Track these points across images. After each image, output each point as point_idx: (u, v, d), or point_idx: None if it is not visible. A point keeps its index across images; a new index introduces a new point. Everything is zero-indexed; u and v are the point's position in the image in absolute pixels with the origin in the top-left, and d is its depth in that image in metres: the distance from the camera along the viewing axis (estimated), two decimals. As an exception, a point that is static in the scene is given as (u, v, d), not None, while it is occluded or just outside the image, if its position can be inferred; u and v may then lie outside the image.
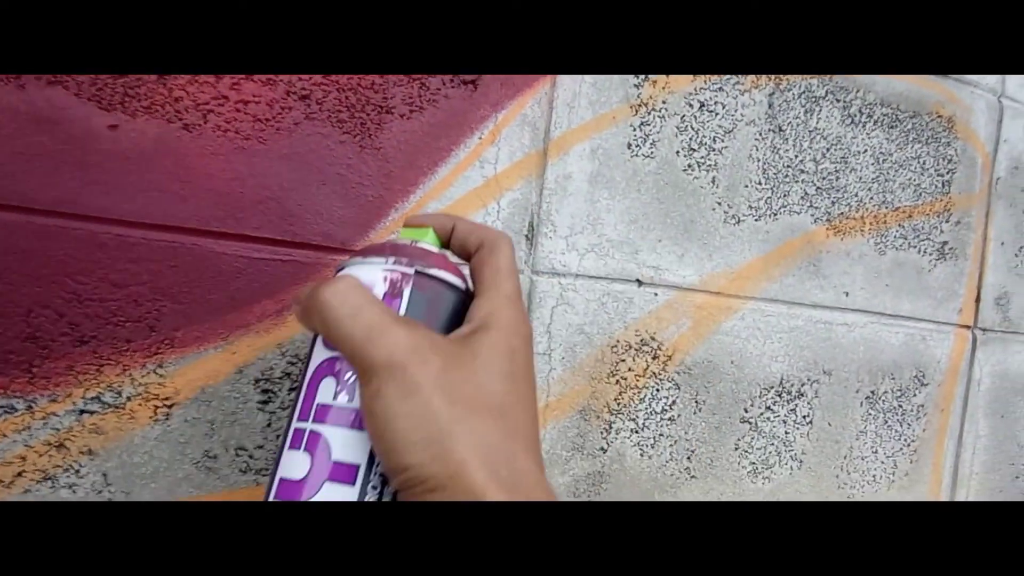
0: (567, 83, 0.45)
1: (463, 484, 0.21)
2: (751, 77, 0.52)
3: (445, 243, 0.30)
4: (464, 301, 0.27)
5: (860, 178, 0.57)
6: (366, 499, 0.24)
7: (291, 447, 0.25)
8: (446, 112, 0.41)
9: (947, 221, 0.62)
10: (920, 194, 0.60)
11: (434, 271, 0.27)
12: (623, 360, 0.48)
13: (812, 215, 0.55)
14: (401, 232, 0.30)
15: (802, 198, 0.54)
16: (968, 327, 0.65)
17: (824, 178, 0.55)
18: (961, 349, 0.65)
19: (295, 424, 0.25)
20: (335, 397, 0.25)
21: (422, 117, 0.40)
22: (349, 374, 0.25)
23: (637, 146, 0.47)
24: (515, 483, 0.22)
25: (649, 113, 0.47)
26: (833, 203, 0.56)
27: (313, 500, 0.23)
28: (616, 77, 0.46)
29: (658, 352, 0.49)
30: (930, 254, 0.62)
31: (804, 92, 0.54)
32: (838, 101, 0.56)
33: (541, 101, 0.44)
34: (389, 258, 0.26)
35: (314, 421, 0.25)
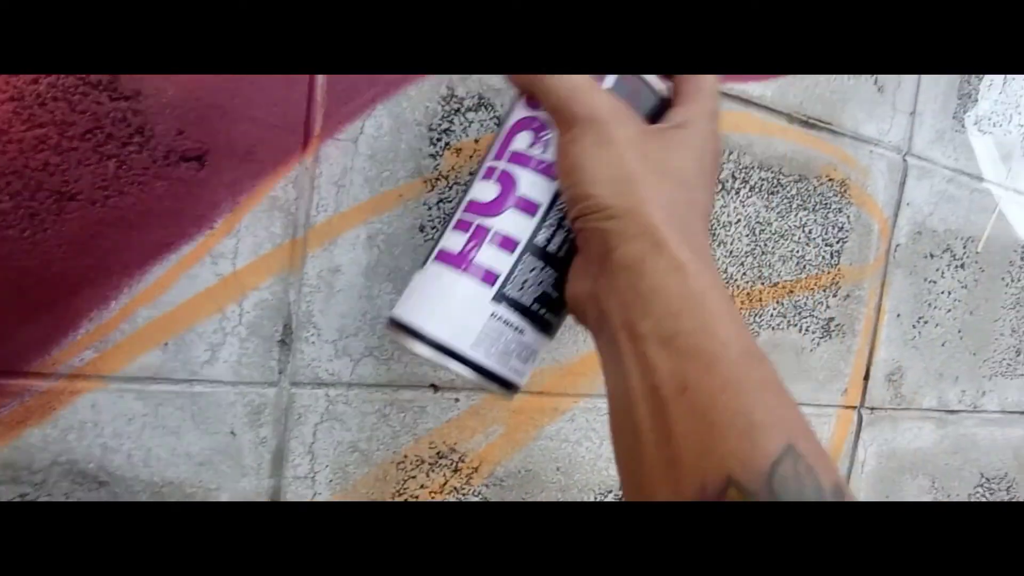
0: (335, 156, 0.36)
1: (641, 219, 0.23)
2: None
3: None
4: (662, 108, 0.27)
5: (731, 252, 0.50)
6: (539, 233, 0.27)
7: (483, 178, 0.28)
8: (160, 196, 0.33)
9: (835, 295, 0.56)
10: (804, 267, 0.54)
11: (642, 77, 0.27)
12: (413, 477, 0.41)
13: (665, 299, 0.48)
14: None
15: (652, 280, 0.47)
16: (853, 407, 0.60)
17: (682, 255, 0.48)
18: (843, 432, 0.60)
19: (489, 162, 0.28)
20: (530, 147, 0.27)
21: (122, 203, 0.32)
22: (545, 132, 0.27)
23: (433, 228, 0.39)
24: (689, 237, 0.23)
25: (450, 187, 0.40)
26: (692, 283, 0.49)
27: (495, 225, 0.27)
28: (405, 145, 0.38)
29: (460, 465, 0.43)
30: (813, 332, 0.56)
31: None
32: (705, 165, 0.48)
33: (298, 180, 0.36)
34: None
35: (508, 162, 0.28)
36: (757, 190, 0.51)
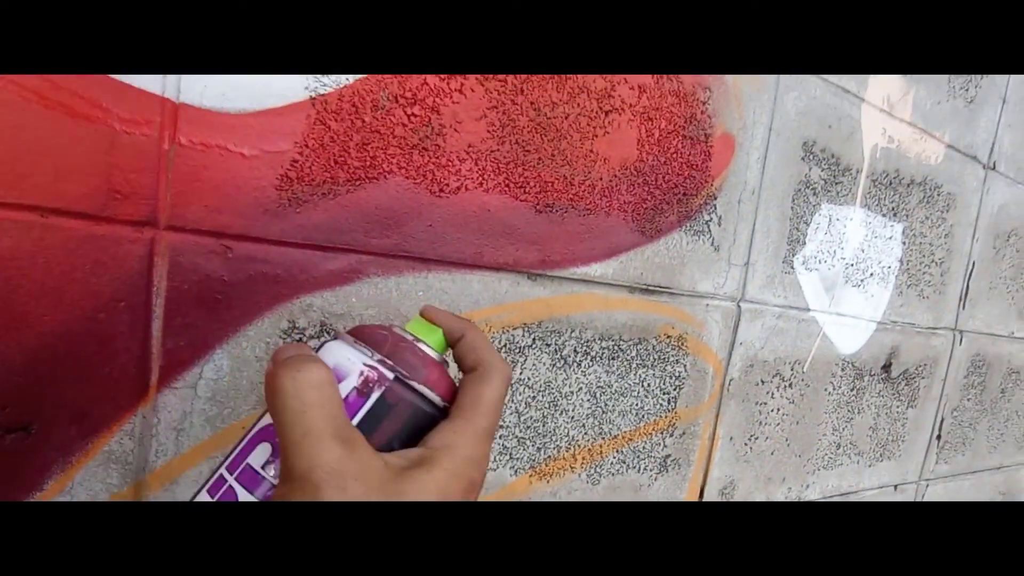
0: (174, 404, 0.39)
1: None
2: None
3: (452, 346, 0.29)
4: (429, 417, 0.27)
5: (572, 417, 0.56)
6: None
7: (209, 489, 0.26)
8: (-17, 473, 0.34)
9: (671, 435, 0.64)
10: (643, 417, 0.61)
11: (415, 384, 0.26)
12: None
13: (512, 468, 0.54)
14: (412, 321, 0.29)
15: (500, 454, 0.53)
16: (692, 518, 0.69)
17: (528, 427, 0.54)
18: (683, 540, 0.69)
19: (222, 470, 0.26)
20: (263, 467, 0.25)
21: (-58, 489, 0.33)
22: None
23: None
24: None
25: (295, 412, 0.43)
26: (539, 449, 0.55)
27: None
28: (246, 381, 0.41)
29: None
30: (650, 471, 0.63)
31: (505, 345, 0.51)
32: (547, 346, 0.54)
33: (135, 431, 0.38)
34: (375, 355, 0.26)
35: (237, 478, 0.26)
36: (598, 359, 0.57)
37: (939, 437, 0.99)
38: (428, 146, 0.45)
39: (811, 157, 0.69)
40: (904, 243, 0.83)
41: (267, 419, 0.26)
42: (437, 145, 0.46)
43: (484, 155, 0.48)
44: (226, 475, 0.26)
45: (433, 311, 0.29)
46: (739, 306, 0.66)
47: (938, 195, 0.86)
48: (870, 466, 0.88)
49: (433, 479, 0.23)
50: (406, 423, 0.26)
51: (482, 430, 0.26)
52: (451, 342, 0.29)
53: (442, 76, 0.45)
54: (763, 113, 0.64)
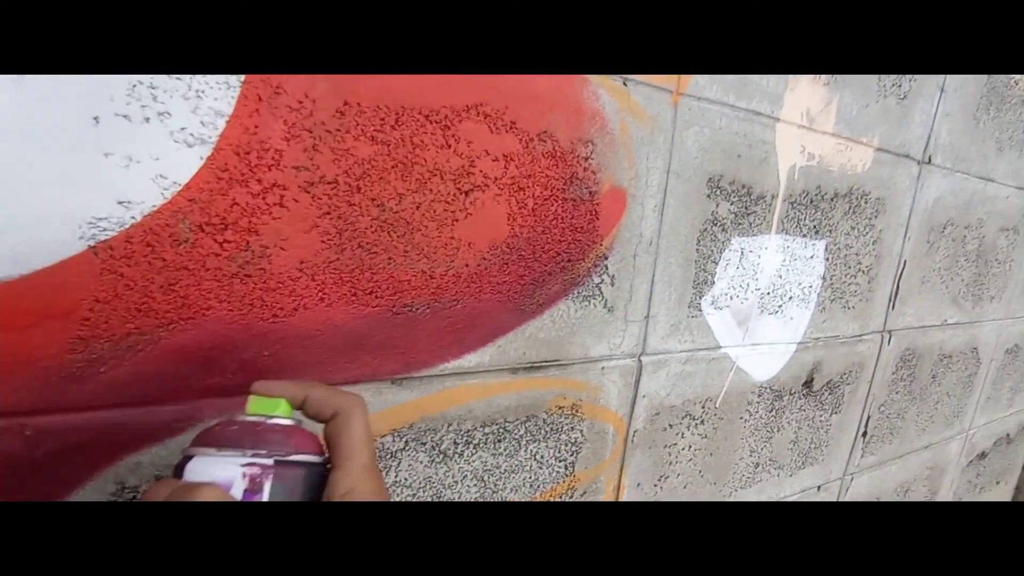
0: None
1: None
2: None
3: (299, 409, 0.32)
4: (323, 471, 0.30)
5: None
6: None
7: None
8: None
9: (571, 497, 0.64)
10: (537, 487, 0.61)
11: (293, 457, 0.29)
12: None
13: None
14: (250, 404, 0.31)
15: (377, 557, 0.52)
16: (602, 562, 0.70)
17: (407, 526, 0.53)
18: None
19: None
20: None
21: None
22: None
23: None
24: None
25: None
26: (421, 543, 0.54)
27: None
28: None
29: None
30: (554, 527, 0.64)
31: (377, 451, 0.49)
32: (423, 445, 0.52)
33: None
34: (247, 452, 0.28)
35: None
36: (482, 445, 0.55)
37: (865, 434, 1.02)
38: (251, 272, 0.41)
39: (718, 192, 0.65)
40: (827, 259, 0.81)
41: None
42: (262, 269, 0.41)
43: (321, 268, 0.44)
44: None
45: (264, 385, 0.32)
46: (640, 360, 0.64)
47: (865, 203, 0.83)
48: (791, 476, 0.90)
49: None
50: (304, 490, 0.29)
51: (366, 464, 0.30)
52: (296, 405, 0.32)
53: (254, 193, 0.40)
54: (658, 157, 0.59)
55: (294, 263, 0.43)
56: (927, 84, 0.85)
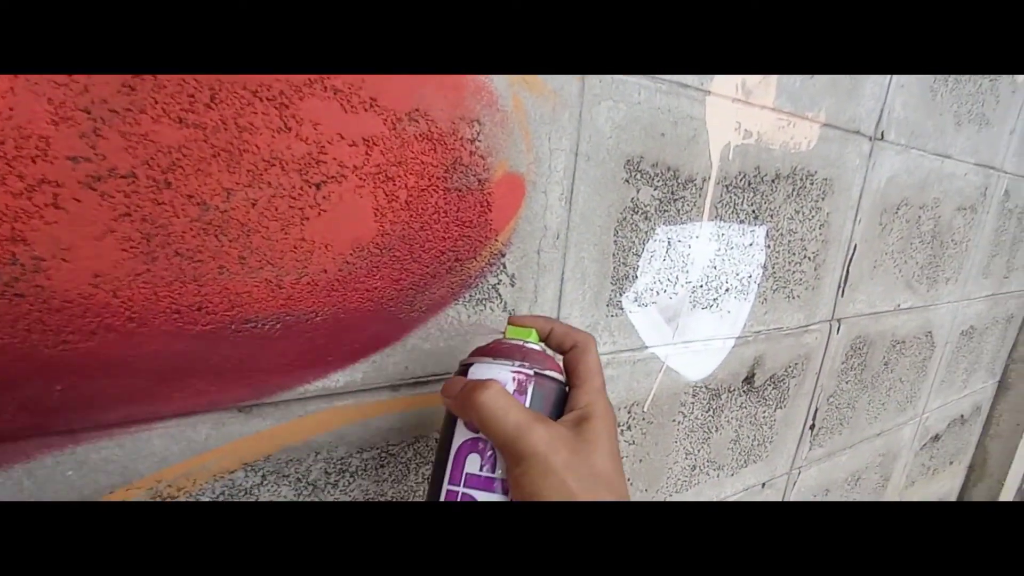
0: None
1: None
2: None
3: (543, 340, 0.39)
4: (564, 391, 0.37)
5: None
6: None
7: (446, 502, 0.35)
8: None
9: (477, 517, 0.58)
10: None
11: (547, 372, 0.36)
12: None
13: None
14: (508, 331, 0.39)
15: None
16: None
17: (270, 568, 0.47)
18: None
19: (448, 486, 0.35)
20: (481, 469, 0.34)
21: None
22: (490, 453, 0.34)
23: None
24: None
25: None
26: None
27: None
28: None
29: None
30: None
31: (224, 492, 0.43)
32: (285, 477, 0.45)
33: None
34: (515, 362, 0.36)
35: (465, 486, 0.34)
36: (361, 472, 0.49)
37: (813, 427, 0.98)
38: (23, 290, 0.33)
39: (639, 176, 0.59)
40: (769, 246, 0.76)
41: (458, 440, 0.35)
42: (38, 287, 0.34)
43: (125, 282, 0.36)
44: (453, 488, 0.35)
45: (519, 318, 0.40)
46: (551, 367, 0.58)
47: (811, 184, 0.78)
48: (732, 475, 0.87)
49: (594, 426, 0.34)
50: (553, 400, 0.36)
51: (600, 386, 0.37)
52: (543, 336, 0.39)
53: (15, 192, 0.32)
54: (563, 137, 0.52)
55: (85, 277, 0.35)
56: (879, 53, 0.79)
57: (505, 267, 0.52)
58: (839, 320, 0.93)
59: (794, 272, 0.81)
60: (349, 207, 0.43)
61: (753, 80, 0.65)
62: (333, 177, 0.41)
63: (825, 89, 0.74)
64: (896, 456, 1.30)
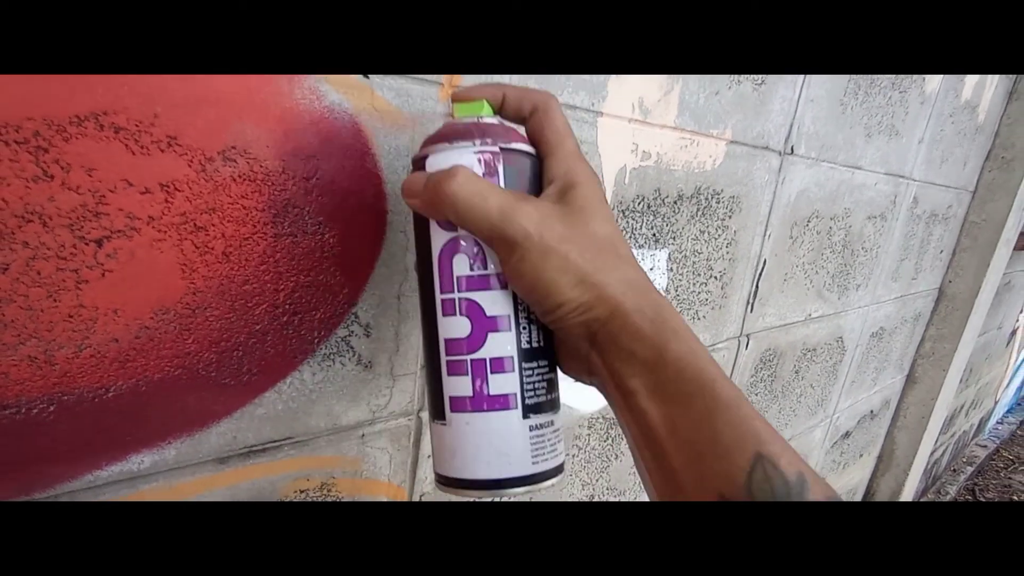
0: None
1: (607, 302, 0.31)
2: None
3: (498, 112, 0.36)
4: (536, 162, 0.35)
5: None
6: (520, 339, 0.33)
7: (446, 314, 0.34)
8: None
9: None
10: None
11: (514, 145, 0.34)
12: None
13: None
14: (456, 108, 0.35)
15: None
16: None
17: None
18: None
19: (441, 296, 0.34)
20: (472, 268, 0.33)
21: None
22: (476, 248, 0.33)
23: None
24: (639, 296, 0.31)
25: None
26: None
27: (486, 355, 0.33)
28: None
29: None
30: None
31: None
32: None
33: None
34: (476, 141, 0.33)
35: (462, 290, 0.33)
36: (182, 556, 0.44)
37: (720, 441, 1.00)
38: None
39: (521, 207, 0.55)
40: (671, 269, 0.74)
41: (437, 244, 0.33)
42: None
43: None
44: (448, 296, 0.33)
45: (464, 91, 0.35)
46: (419, 417, 0.54)
47: (717, 203, 0.77)
48: (635, 499, 0.87)
49: (582, 192, 0.32)
50: (529, 175, 0.34)
51: (575, 148, 0.34)
52: (496, 106, 0.35)
53: None
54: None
55: None
56: (789, 66, 0.78)
57: (358, 316, 0.47)
58: (748, 336, 0.95)
59: (699, 293, 0.81)
60: (144, 265, 0.37)
61: (652, 99, 0.63)
62: (120, 231, 0.35)
63: (732, 106, 0.72)
64: (807, 457, 1.36)
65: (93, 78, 0.33)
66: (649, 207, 0.68)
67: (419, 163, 0.34)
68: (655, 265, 0.72)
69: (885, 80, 0.98)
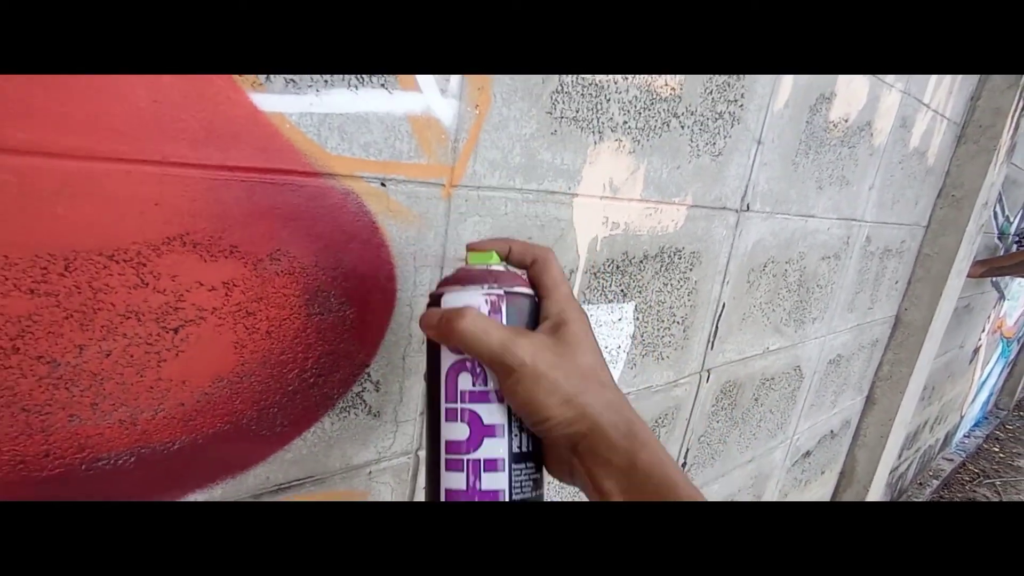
0: None
1: (587, 420, 0.37)
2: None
3: (504, 259, 0.44)
4: (535, 302, 0.42)
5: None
6: (512, 444, 0.39)
7: (449, 420, 0.40)
8: None
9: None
10: None
11: (516, 289, 0.41)
12: None
13: None
14: (470, 257, 0.43)
15: None
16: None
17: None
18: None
19: (446, 404, 0.40)
20: (474, 384, 0.39)
21: None
22: (479, 369, 0.39)
23: None
24: (614, 413, 0.38)
25: None
26: None
27: (480, 455, 0.39)
28: None
29: None
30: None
31: None
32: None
33: None
34: (485, 285, 0.40)
35: (465, 402, 0.39)
36: None
37: (684, 464, 1.13)
38: None
39: (506, 276, 0.67)
40: (637, 318, 0.87)
41: (446, 364, 0.40)
42: None
43: (-32, 443, 0.40)
44: (451, 405, 0.40)
45: (477, 243, 0.44)
46: (417, 456, 0.66)
47: (679, 259, 0.89)
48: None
49: (572, 329, 0.39)
50: (527, 313, 0.41)
51: (568, 292, 0.42)
52: (503, 256, 0.43)
53: None
54: (428, 255, 0.59)
55: (-73, 445, 0.38)
56: (743, 138, 0.91)
57: (370, 375, 0.59)
58: (709, 370, 1.07)
59: (663, 337, 0.93)
60: (208, 345, 0.48)
61: (620, 178, 0.75)
62: (191, 320, 0.46)
63: (692, 176, 0.85)
64: (768, 476, 1.50)
65: (178, 207, 0.44)
66: (618, 268, 0.80)
67: (435, 299, 0.41)
68: (623, 316, 0.84)
69: (834, 138, 1.12)
